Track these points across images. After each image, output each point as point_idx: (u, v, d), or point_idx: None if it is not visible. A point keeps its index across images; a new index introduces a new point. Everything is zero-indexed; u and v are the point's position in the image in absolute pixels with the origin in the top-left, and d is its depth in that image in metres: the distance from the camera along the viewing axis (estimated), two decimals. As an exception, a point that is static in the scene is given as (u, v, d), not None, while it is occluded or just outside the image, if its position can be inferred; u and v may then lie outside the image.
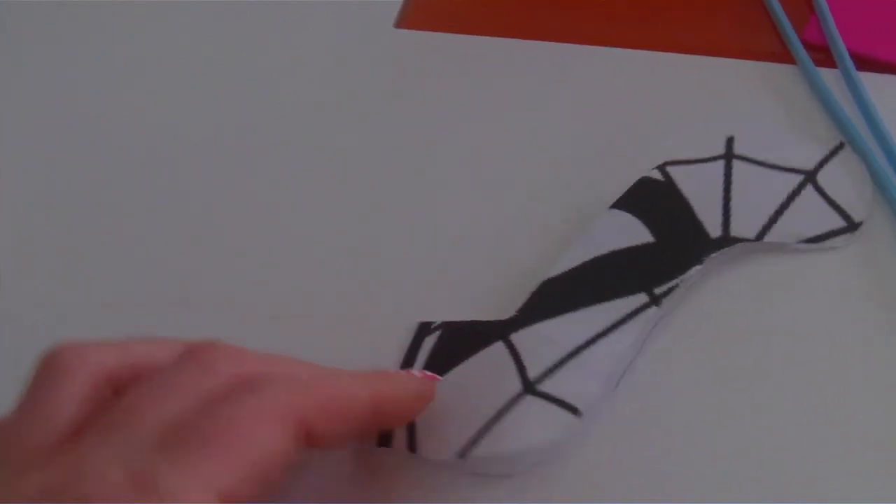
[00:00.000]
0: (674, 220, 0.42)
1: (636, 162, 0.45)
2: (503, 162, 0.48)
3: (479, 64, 0.53)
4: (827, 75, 0.48)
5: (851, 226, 0.42)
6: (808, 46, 0.49)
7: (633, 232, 0.42)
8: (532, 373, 0.39)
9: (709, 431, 0.39)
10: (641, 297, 0.40)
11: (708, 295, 0.42)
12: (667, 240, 0.42)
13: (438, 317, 0.42)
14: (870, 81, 0.47)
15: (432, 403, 0.39)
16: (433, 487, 0.39)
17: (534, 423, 0.38)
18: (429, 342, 0.41)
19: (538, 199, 0.46)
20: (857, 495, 0.37)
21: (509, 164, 0.48)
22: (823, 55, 0.48)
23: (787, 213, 0.42)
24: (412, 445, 0.38)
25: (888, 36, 0.49)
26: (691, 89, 0.49)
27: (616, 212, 0.43)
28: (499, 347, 0.40)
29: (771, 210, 0.42)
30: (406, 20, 0.56)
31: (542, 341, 0.39)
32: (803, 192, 0.43)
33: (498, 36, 0.54)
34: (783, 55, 0.49)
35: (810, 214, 0.42)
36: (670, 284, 0.40)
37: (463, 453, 0.37)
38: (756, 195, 0.43)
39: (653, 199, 0.43)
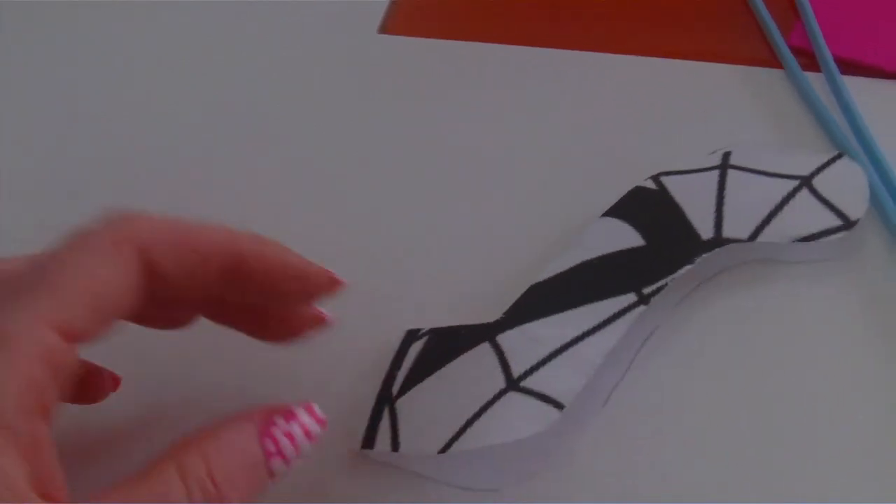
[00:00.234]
0: (665, 225, 0.42)
1: (629, 170, 0.45)
2: (490, 169, 0.48)
3: (463, 70, 0.53)
4: (812, 80, 0.48)
5: (847, 224, 0.41)
6: (794, 51, 0.49)
7: (623, 236, 0.42)
8: (516, 370, 0.38)
9: (701, 447, 0.39)
10: (630, 297, 0.40)
11: (705, 314, 0.42)
12: (657, 243, 0.41)
13: (427, 323, 0.42)
14: (854, 86, 0.47)
15: (417, 403, 0.39)
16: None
17: (515, 417, 0.37)
18: (415, 348, 0.41)
19: (526, 207, 0.46)
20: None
21: (496, 172, 0.48)
22: (809, 60, 0.49)
23: (781, 214, 0.42)
24: (395, 444, 0.38)
25: (872, 40, 0.49)
26: (681, 94, 0.49)
27: (607, 219, 0.43)
28: (484, 348, 0.39)
29: (765, 212, 0.42)
30: (390, 26, 0.56)
31: (527, 341, 0.39)
32: (798, 194, 0.42)
33: (482, 42, 0.54)
34: (770, 60, 0.50)
35: (805, 215, 0.42)
36: (659, 284, 0.40)
37: (445, 448, 0.37)
38: (750, 198, 0.42)
39: (645, 206, 0.43)
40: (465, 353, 0.40)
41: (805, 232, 0.41)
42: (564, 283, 0.41)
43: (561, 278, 0.41)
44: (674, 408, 0.40)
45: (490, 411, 0.37)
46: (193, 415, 0.35)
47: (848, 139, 0.45)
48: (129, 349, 0.42)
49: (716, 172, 0.43)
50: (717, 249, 0.41)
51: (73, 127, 0.54)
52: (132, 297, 0.33)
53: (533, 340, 0.39)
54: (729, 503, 0.37)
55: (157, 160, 0.52)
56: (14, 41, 0.60)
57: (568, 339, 0.39)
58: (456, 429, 0.37)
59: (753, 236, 0.41)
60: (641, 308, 0.39)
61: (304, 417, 0.35)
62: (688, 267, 0.40)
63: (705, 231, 0.41)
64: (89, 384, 0.40)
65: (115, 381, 0.41)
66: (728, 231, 0.41)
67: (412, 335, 0.41)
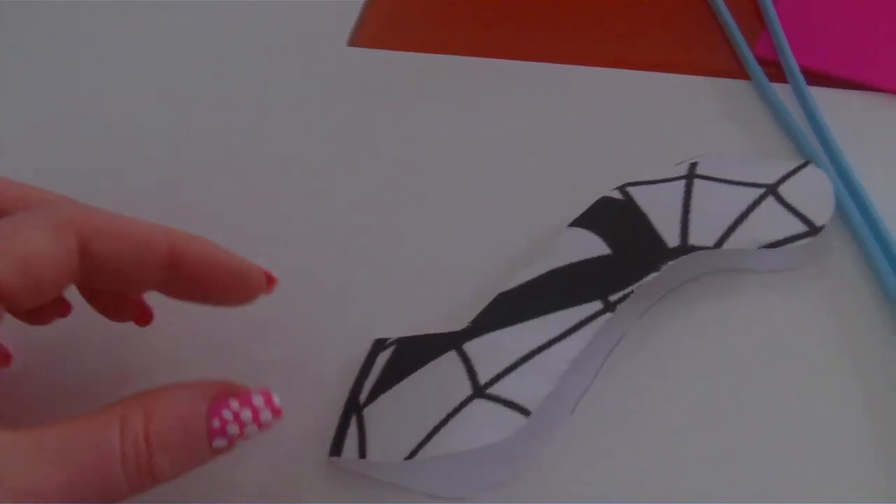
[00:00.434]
0: (631, 233, 0.42)
1: (596, 181, 0.45)
2: (457, 182, 0.49)
3: (432, 82, 0.53)
4: (779, 90, 0.48)
5: (812, 230, 0.41)
6: (761, 61, 0.49)
7: (590, 246, 0.42)
8: (483, 378, 0.38)
9: (669, 454, 0.39)
10: (596, 305, 0.40)
11: (672, 323, 0.42)
12: (624, 251, 0.42)
13: (394, 332, 0.42)
14: (821, 96, 0.47)
15: (384, 411, 0.39)
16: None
17: (481, 423, 0.37)
18: (383, 357, 0.41)
19: (494, 218, 0.47)
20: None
21: (463, 184, 0.48)
22: (775, 70, 0.49)
23: (747, 222, 0.42)
24: (362, 452, 0.38)
25: (838, 52, 0.49)
26: (649, 105, 0.50)
27: (574, 229, 0.43)
28: (451, 356, 0.39)
29: (731, 219, 0.42)
30: (359, 38, 0.56)
31: (494, 348, 0.39)
32: (764, 202, 0.42)
33: (450, 54, 0.54)
34: (738, 71, 0.50)
35: (770, 222, 0.42)
36: (625, 291, 0.40)
37: (411, 455, 0.37)
38: (716, 207, 0.42)
39: (611, 215, 0.43)
40: (433, 362, 0.40)
41: (771, 238, 0.41)
42: (531, 291, 0.41)
43: (528, 287, 0.41)
44: (641, 416, 0.40)
45: (456, 418, 0.37)
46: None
47: (814, 149, 0.45)
48: (92, 343, 0.44)
49: (682, 182, 0.44)
50: (684, 257, 0.41)
51: (70, 127, 0.54)
52: (65, 273, 0.34)
53: (499, 348, 0.39)
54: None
55: (128, 161, 0.52)
56: (14, 41, 0.60)
57: (534, 346, 0.39)
58: (422, 436, 0.37)
59: (719, 243, 0.41)
60: (607, 315, 0.40)
61: (259, 403, 0.36)
62: (654, 274, 0.40)
63: (671, 239, 0.42)
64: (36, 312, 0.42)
65: (64, 307, 0.43)
66: (694, 239, 0.41)
67: (380, 344, 0.42)
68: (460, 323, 0.41)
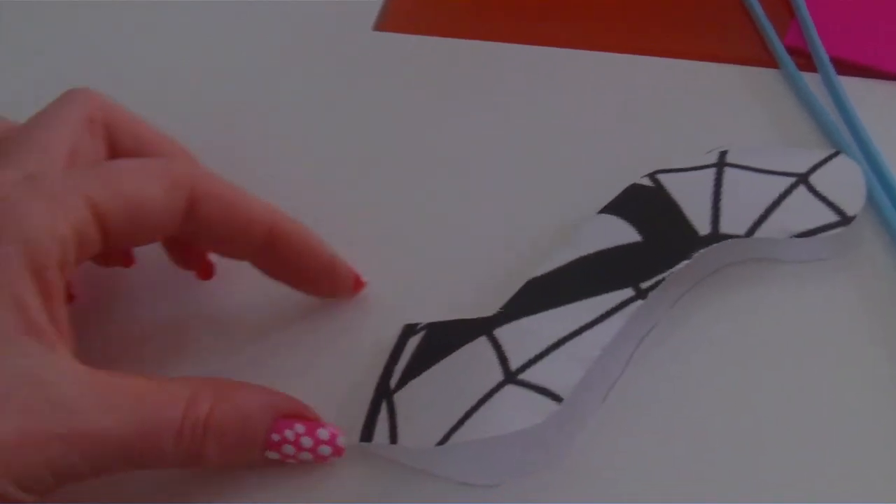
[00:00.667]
0: (662, 221, 0.42)
1: (625, 169, 0.45)
2: (485, 166, 0.48)
3: (458, 67, 0.53)
4: (808, 80, 0.48)
5: (844, 219, 0.41)
6: (790, 51, 0.49)
7: (620, 233, 0.42)
8: (514, 364, 0.38)
9: (701, 443, 0.39)
10: (627, 292, 0.40)
11: (703, 311, 0.42)
12: (654, 239, 0.41)
13: (424, 318, 0.42)
14: (851, 86, 0.47)
15: (415, 396, 0.39)
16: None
17: (513, 409, 0.37)
18: (413, 342, 0.41)
19: (523, 204, 0.46)
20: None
21: (492, 169, 0.48)
22: (805, 60, 0.49)
23: (778, 211, 0.42)
24: (393, 437, 0.38)
25: (868, 40, 0.49)
26: (677, 94, 0.49)
27: (603, 216, 0.43)
28: (482, 342, 0.39)
29: (762, 208, 0.42)
30: (385, 23, 0.56)
31: (525, 334, 0.39)
32: (795, 191, 0.42)
33: (477, 39, 0.54)
34: (766, 59, 0.50)
35: (802, 211, 0.42)
36: (657, 279, 0.40)
37: (443, 440, 0.37)
38: (747, 195, 0.42)
39: (641, 203, 0.43)
40: (463, 347, 0.39)
41: (802, 228, 0.41)
42: (562, 278, 0.41)
43: (558, 273, 0.41)
44: (673, 404, 0.39)
45: (488, 404, 0.37)
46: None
47: (845, 138, 0.45)
48: (137, 325, 0.44)
49: (712, 170, 0.43)
50: (714, 246, 0.41)
51: None
52: (167, 227, 0.37)
53: (531, 334, 0.39)
54: (729, 502, 0.37)
55: None
56: (12, 38, 0.59)
57: (566, 332, 0.39)
58: (454, 421, 0.37)
59: (751, 232, 0.41)
60: (639, 303, 0.39)
61: (323, 436, 0.38)
62: (685, 262, 0.40)
63: (702, 227, 0.41)
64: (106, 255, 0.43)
65: (129, 258, 0.45)
66: (725, 227, 0.41)
67: (410, 329, 0.41)
68: (489, 309, 0.41)
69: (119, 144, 0.40)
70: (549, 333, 0.39)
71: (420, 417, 0.38)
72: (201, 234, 0.38)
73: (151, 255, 0.44)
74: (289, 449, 0.37)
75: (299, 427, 0.37)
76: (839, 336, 0.41)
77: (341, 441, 0.38)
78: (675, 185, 0.43)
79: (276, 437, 0.36)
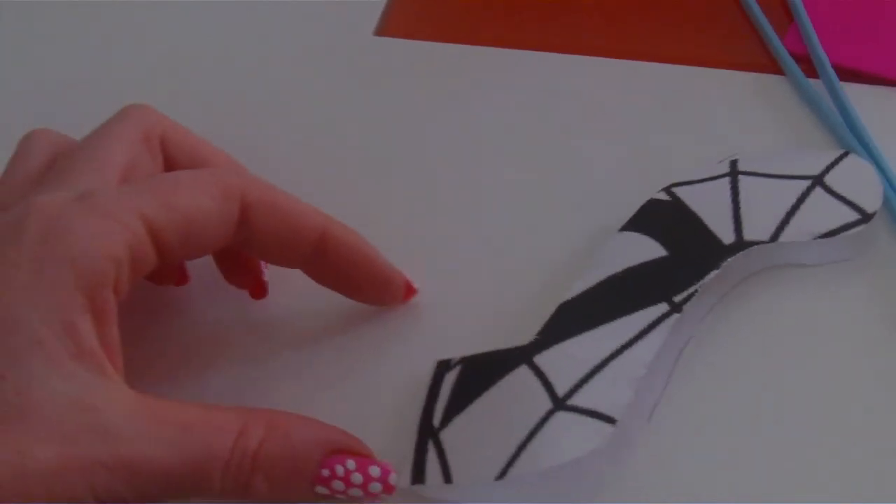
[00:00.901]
0: (685, 234, 0.42)
1: (637, 177, 0.45)
2: (491, 182, 0.48)
3: (459, 73, 0.52)
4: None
5: (865, 217, 0.41)
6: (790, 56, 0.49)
7: (645, 249, 0.41)
8: (560, 390, 0.38)
9: (752, 454, 0.38)
10: (662, 307, 0.39)
11: (736, 322, 0.41)
12: (680, 252, 0.41)
13: (451, 350, 0.41)
14: (850, 92, 0.47)
15: (463, 432, 0.38)
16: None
17: (568, 436, 0.36)
18: (450, 378, 0.40)
19: (532, 222, 0.46)
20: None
21: (498, 184, 0.47)
22: (804, 65, 0.49)
23: (799, 214, 0.42)
24: (447, 476, 0.37)
25: (867, 47, 0.49)
26: (680, 100, 0.49)
27: (626, 233, 0.42)
28: (523, 371, 0.38)
29: (782, 212, 0.42)
30: (386, 28, 0.55)
31: (566, 359, 0.39)
32: (812, 193, 0.42)
33: (479, 45, 0.53)
34: (768, 65, 0.50)
35: (822, 212, 0.42)
36: (689, 291, 0.40)
37: (502, 474, 0.36)
38: (765, 201, 0.42)
39: (662, 217, 0.43)
40: (505, 378, 0.39)
41: (825, 228, 0.41)
42: (593, 299, 0.41)
43: (589, 295, 0.41)
44: (719, 418, 0.39)
45: (541, 433, 0.36)
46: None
47: (852, 142, 0.45)
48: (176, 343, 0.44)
49: (727, 179, 0.43)
50: (741, 253, 0.41)
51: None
52: (221, 238, 0.37)
53: (572, 358, 0.38)
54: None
55: None
56: (11, 38, 0.58)
57: (608, 353, 0.38)
58: (509, 454, 0.36)
59: (775, 236, 0.41)
60: (675, 316, 0.39)
61: (374, 473, 0.37)
62: (715, 272, 0.40)
63: (726, 236, 0.41)
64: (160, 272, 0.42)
65: (183, 276, 0.45)
66: (749, 234, 0.41)
67: (444, 365, 0.40)
68: (521, 337, 0.40)
69: (173, 159, 0.41)
70: (591, 355, 0.38)
71: (472, 454, 0.37)
72: (254, 242, 0.38)
73: (194, 264, 0.44)
74: (338, 485, 0.36)
75: (350, 463, 0.36)
76: (870, 336, 0.40)
77: (393, 479, 0.37)
78: (692, 197, 0.43)
79: (326, 472, 0.36)
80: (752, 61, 0.50)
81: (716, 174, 0.44)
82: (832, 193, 0.42)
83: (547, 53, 0.53)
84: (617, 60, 0.52)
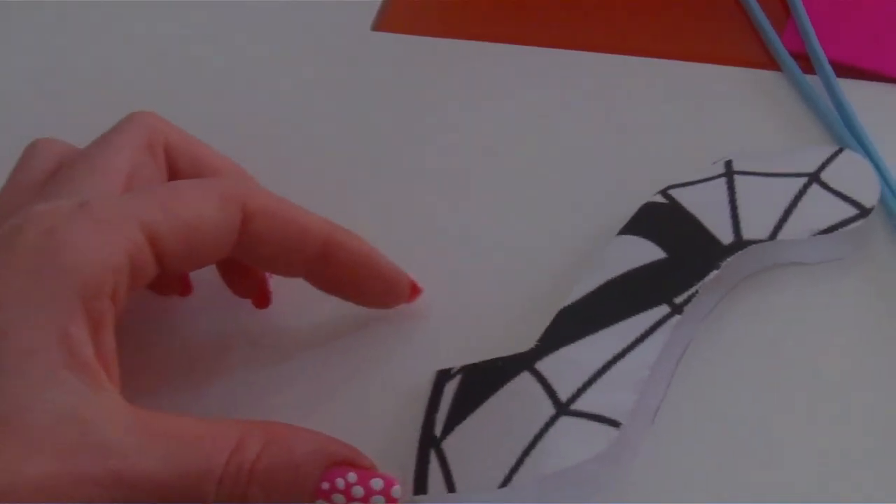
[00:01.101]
0: (683, 235, 0.41)
1: (634, 176, 0.46)
2: (487, 179, 0.47)
3: (456, 68, 0.52)
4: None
5: (863, 212, 0.41)
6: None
7: (643, 252, 0.41)
8: (563, 395, 0.37)
9: (757, 454, 0.38)
10: (663, 309, 0.39)
11: (737, 322, 0.41)
12: (679, 253, 0.41)
13: (452, 359, 0.40)
14: (847, 88, 0.47)
15: (466, 441, 0.37)
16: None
17: (573, 441, 0.36)
18: (450, 387, 0.39)
19: (532, 222, 0.46)
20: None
21: (494, 183, 0.47)
22: (801, 62, 0.48)
23: (797, 211, 0.41)
24: (450, 486, 0.37)
25: (864, 43, 0.49)
26: (678, 96, 0.49)
27: (624, 237, 0.42)
28: (525, 377, 0.38)
29: (780, 211, 0.41)
30: (384, 23, 0.55)
31: (569, 364, 0.38)
32: (809, 190, 0.42)
33: (477, 40, 0.53)
34: (765, 61, 0.50)
35: (820, 208, 0.41)
36: (690, 292, 0.39)
37: (506, 481, 0.36)
38: (763, 199, 0.42)
39: (659, 220, 0.42)
40: (506, 385, 0.38)
41: (823, 225, 0.41)
42: (594, 303, 0.40)
43: (589, 299, 0.40)
44: (721, 419, 0.39)
45: (545, 439, 0.36)
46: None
47: (848, 138, 0.45)
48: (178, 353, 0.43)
49: (722, 180, 0.43)
50: (740, 253, 0.40)
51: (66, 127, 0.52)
52: (223, 246, 0.36)
53: (574, 363, 0.38)
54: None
55: None
56: (14, 41, 0.58)
57: (610, 357, 0.38)
58: (513, 461, 0.36)
59: (773, 235, 0.41)
60: (676, 318, 0.39)
61: (377, 486, 0.35)
62: (715, 272, 0.40)
63: (725, 236, 0.41)
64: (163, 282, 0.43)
65: (186, 287, 0.44)
66: (747, 233, 0.41)
67: (444, 375, 0.40)
68: (521, 344, 0.40)
69: (178, 166, 0.40)
70: (593, 359, 0.38)
71: (476, 462, 0.37)
72: (256, 251, 0.38)
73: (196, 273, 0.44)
74: (339, 499, 0.35)
75: (351, 476, 0.35)
76: (870, 334, 0.40)
77: (396, 492, 0.36)
78: (688, 199, 0.43)
79: (325, 485, 0.35)
80: (749, 57, 0.50)
81: (711, 175, 0.43)
82: (829, 190, 0.42)
83: (544, 49, 0.52)
84: (613, 56, 0.51)
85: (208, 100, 0.53)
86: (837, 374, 0.39)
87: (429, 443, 0.38)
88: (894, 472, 0.37)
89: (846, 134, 0.45)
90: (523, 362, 0.39)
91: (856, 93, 0.47)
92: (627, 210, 0.43)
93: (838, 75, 0.47)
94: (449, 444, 0.38)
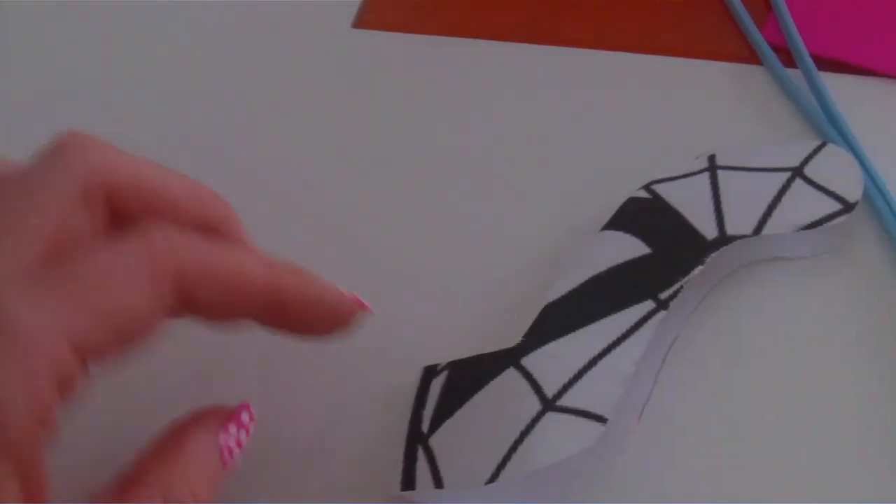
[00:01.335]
0: (667, 230, 0.41)
1: (616, 169, 0.46)
2: (468, 176, 0.47)
3: (438, 66, 0.52)
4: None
5: (847, 207, 0.41)
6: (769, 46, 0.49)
7: (627, 247, 0.41)
8: (549, 391, 0.37)
9: (742, 453, 0.38)
10: (648, 305, 0.39)
11: (722, 318, 0.41)
12: (663, 249, 0.41)
13: (438, 355, 0.41)
14: (828, 82, 0.47)
15: (452, 437, 0.37)
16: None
17: (559, 436, 0.36)
18: (437, 383, 0.39)
19: (511, 221, 0.46)
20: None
21: (476, 179, 0.47)
22: (783, 56, 0.49)
23: (781, 206, 0.41)
24: (438, 482, 0.37)
25: (845, 37, 0.49)
26: (658, 91, 0.49)
27: (608, 233, 0.42)
28: (511, 373, 0.38)
29: (764, 205, 0.41)
30: (364, 20, 0.55)
31: (554, 360, 0.38)
32: (793, 185, 0.42)
33: (456, 36, 0.53)
34: (746, 55, 0.50)
35: (804, 203, 0.41)
36: (675, 287, 0.39)
37: (493, 478, 0.36)
38: (746, 194, 0.42)
39: (642, 215, 0.42)
40: (493, 382, 0.38)
41: (807, 220, 0.41)
42: (579, 299, 0.40)
43: (574, 295, 0.40)
44: (707, 415, 0.39)
45: (532, 434, 0.36)
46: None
47: (830, 132, 0.45)
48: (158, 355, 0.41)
49: (706, 175, 0.43)
50: (724, 248, 0.40)
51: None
52: (154, 322, 0.32)
53: (559, 359, 0.38)
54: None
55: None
56: (10, 38, 0.58)
57: (595, 352, 0.38)
58: (500, 457, 0.36)
59: (758, 230, 0.41)
60: (662, 314, 0.39)
61: (245, 419, 0.36)
62: (700, 268, 0.40)
63: (709, 231, 0.41)
64: None
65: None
66: (731, 228, 0.41)
67: (430, 371, 0.40)
68: (506, 340, 0.40)
69: (125, 207, 0.35)
70: (579, 355, 0.38)
71: (463, 458, 0.37)
72: (196, 311, 0.34)
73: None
74: (235, 451, 0.36)
75: (231, 428, 0.36)
76: (856, 328, 0.40)
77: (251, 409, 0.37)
78: (672, 194, 0.43)
79: (225, 453, 0.35)
80: (729, 51, 0.50)
81: (694, 170, 0.44)
82: (813, 184, 0.42)
83: (524, 45, 0.52)
84: (594, 51, 0.51)
85: (187, 97, 0.53)
86: (823, 368, 0.39)
87: (416, 439, 0.38)
88: (881, 467, 0.37)
89: (828, 128, 0.45)
90: (509, 358, 0.39)
91: (837, 86, 0.47)
92: (611, 205, 0.43)
93: (819, 69, 0.47)
94: (436, 440, 0.38)
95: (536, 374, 0.38)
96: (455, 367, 0.40)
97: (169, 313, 0.33)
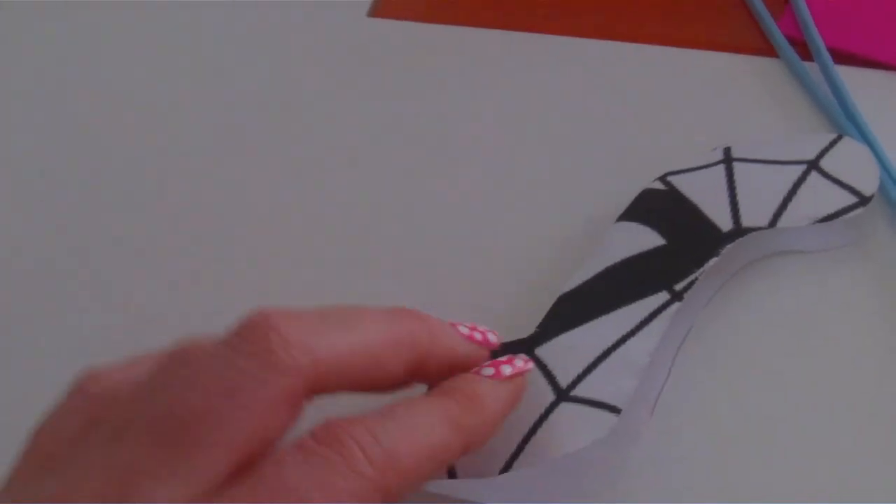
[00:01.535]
0: (683, 222, 0.41)
1: (631, 161, 0.46)
2: (484, 166, 0.48)
3: (453, 55, 0.52)
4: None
5: (862, 200, 0.41)
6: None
7: (642, 238, 0.41)
8: (563, 381, 0.37)
9: (757, 445, 0.38)
10: (663, 296, 0.39)
11: (736, 310, 0.41)
12: (678, 240, 0.41)
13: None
14: (844, 75, 0.47)
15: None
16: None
17: (573, 427, 0.36)
18: (453, 373, 0.39)
19: (527, 210, 0.46)
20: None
21: (492, 169, 0.47)
22: (799, 48, 0.49)
23: (796, 198, 0.41)
24: (451, 471, 0.37)
25: (861, 31, 0.49)
26: (676, 82, 0.49)
27: (623, 223, 0.42)
28: (525, 363, 0.38)
29: (779, 198, 0.41)
30: (379, 9, 0.56)
31: (568, 350, 0.38)
32: (808, 178, 0.42)
33: (472, 26, 0.53)
34: (762, 48, 0.50)
35: (819, 196, 0.41)
36: (690, 279, 0.39)
37: (506, 468, 0.36)
38: (761, 187, 0.42)
39: (658, 207, 0.42)
40: (507, 372, 0.38)
41: (823, 212, 0.41)
42: (593, 290, 0.40)
43: (589, 286, 0.40)
44: (720, 408, 0.39)
45: (545, 425, 0.36)
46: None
47: (846, 125, 0.45)
48: None
49: (721, 167, 0.43)
50: (740, 240, 0.40)
51: (61, 127, 0.52)
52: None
53: (574, 349, 0.38)
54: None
55: (151, 150, 0.51)
56: (10, 38, 0.58)
57: (610, 343, 0.38)
58: (513, 447, 0.36)
59: (773, 222, 0.41)
60: (676, 305, 0.39)
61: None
62: (714, 259, 0.40)
63: (724, 223, 0.41)
64: None
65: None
66: (747, 220, 0.41)
67: (446, 361, 0.40)
68: (521, 330, 0.40)
69: (324, 390, 0.31)
70: (593, 346, 0.38)
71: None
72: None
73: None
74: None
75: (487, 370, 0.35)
76: (870, 322, 0.40)
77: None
78: (687, 186, 0.43)
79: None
80: (746, 44, 0.50)
81: (710, 162, 0.43)
82: (828, 177, 0.42)
83: (540, 35, 0.52)
84: (611, 42, 0.51)
85: (205, 89, 0.53)
86: (837, 361, 0.39)
87: (429, 428, 0.38)
88: (893, 461, 0.37)
89: (844, 121, 0.45)
90: (523, 348, 0.39)
91: (854, 80, 0.47)
92: (626, 196, 0.43)
93: (836, 62, 0.47)
94: (449, 430, 0.38)
95: (551, 365, 0.38)
96: (469, 356, 0.40)
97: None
